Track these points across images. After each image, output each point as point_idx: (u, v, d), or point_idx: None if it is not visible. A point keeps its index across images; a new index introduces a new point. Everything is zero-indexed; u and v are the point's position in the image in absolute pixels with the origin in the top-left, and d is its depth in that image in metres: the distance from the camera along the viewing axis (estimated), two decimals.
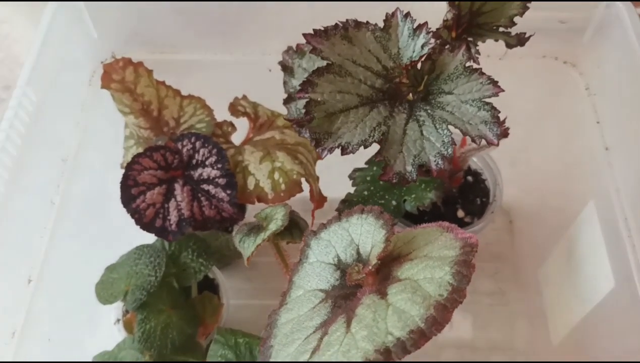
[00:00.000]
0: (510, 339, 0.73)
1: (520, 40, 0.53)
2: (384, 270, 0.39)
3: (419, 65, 0.48)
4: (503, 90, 0.45)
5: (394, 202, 0.61)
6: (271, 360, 0.38)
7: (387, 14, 0.48)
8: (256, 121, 0.66)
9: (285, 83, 0.59)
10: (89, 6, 0.74)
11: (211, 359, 0.54)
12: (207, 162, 0.58)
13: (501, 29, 0.53)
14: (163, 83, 0.64)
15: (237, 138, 0.65)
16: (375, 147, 0.46)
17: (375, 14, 0.50)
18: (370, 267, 0.38)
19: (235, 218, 0.58)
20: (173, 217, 0.56)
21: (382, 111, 0.47)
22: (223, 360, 0.53)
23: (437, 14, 0.52)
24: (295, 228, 0.52)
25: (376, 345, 0.34)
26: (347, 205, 0.61)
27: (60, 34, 0.70)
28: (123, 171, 0.56)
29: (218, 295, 0.66)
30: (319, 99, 0.45)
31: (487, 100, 0.46)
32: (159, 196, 0.57)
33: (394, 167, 0.46)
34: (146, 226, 0.56)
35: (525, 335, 0.73)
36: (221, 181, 0.58)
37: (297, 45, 0.58)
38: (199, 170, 0.58)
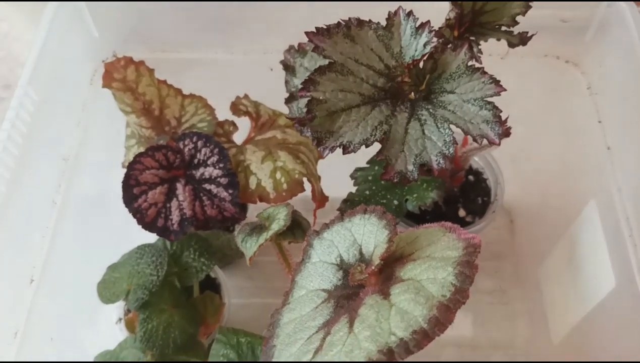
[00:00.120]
0: (511, 338, 0.73)
1: (523, 39, 0.53)
2: (387, 270, 0.39)
3: (421, 64, 0.48)
4: (505, 90, 0.45)
5: (395, 202, 0.61)
6: (274, 360, 0.38)
7: (389, 12, 0.48)
8: (258, 120, 0.65)
9: (286, 82, 0.59)
10: (90, 5, 0.74)
11: (213, 359, 0.54)
12: (208, 162, 0.58)
13: (503, 28, 0.53)
14: (164, 82, 0.63)
15: (238, 137, 0.65)
16: (376, 147, 0.46)
17: (376, 13, 0.50)
18: (373, 267, 0.38)
19: (237, 218, 0.58)
20: (175, 216, 0.56)
21: (383, 110, 0.47)
22: (225, 360, 0.53)
23: (439, 13, 0.52)
24: (297, 228, 0.52)
25: (379, 346, 0.34)
26: (349, 205, 0.61)
27: (61, 33, 0.70)
28: (124, 170, 0.56)
29: (220, 295, 0.66)
30: (320, 98, 0.45)
31: (489, 99, 0.46)
32: (160, 196, 0.56)
33: (396, 166, 0.46)
34: (148, 226, 0.56)
35: (526, 334, 0.73)
36: (223, 181, 0.58)
37: (299, 44, 0.58)
38: (201, 170, 0.58)
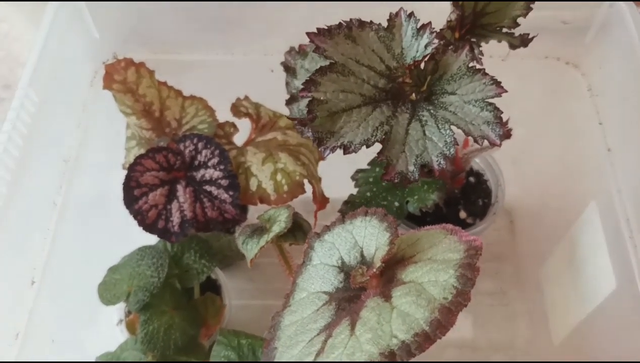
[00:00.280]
0: (511, 339, 0.73)
1: (524, 41, 0.53)
2: (388, 272, 0.39)
3: (422, 65, 0.48)
4: (506, 91, 0.45)
5: (396, 203, 0.61)
6: (275, 362, 0.38)
7: (390, 13, 0.48)
8: (258, 122, 0.65)
9: (287, 84, 0.59)
10: (90, 6, 0.74)
11: (214, 360, 0.53)
12: (209, 163, 0.58)
13: (504, 30, 0.53)
14: (165, 84, 0.63)
15: (239, 139, 0.65)
16: (377, 148, 0.46)
17: (377, 14, 0.50)
18: (374, 270, 0.38)
19: (238, 220, 0.58)
20: (175, 218, 0.56)
21: (384, 111, 0.47)
22: (226, 361, 0.53)
23: (440, 15, 0.52)
24: (298, 230, 0.52)
25: (381, 348, 0.34)
26: (350, 207, 0.61)
27: (61, 34, 0.70)
28: (125, 172, 0.56)
29: (220, 296, 0.66)
30: (321, 98, 0.45)
31: (490, 100, 0.46)
32: (161, 197, 0.56)
33: (396, 166, 0.46)
34: (149, 227, 0.56)
35: (526, 335, 0.73)
36: (224, 182, 0.58)
37: (300, 45, 0.58)
38: (202, 172, 0.58)
